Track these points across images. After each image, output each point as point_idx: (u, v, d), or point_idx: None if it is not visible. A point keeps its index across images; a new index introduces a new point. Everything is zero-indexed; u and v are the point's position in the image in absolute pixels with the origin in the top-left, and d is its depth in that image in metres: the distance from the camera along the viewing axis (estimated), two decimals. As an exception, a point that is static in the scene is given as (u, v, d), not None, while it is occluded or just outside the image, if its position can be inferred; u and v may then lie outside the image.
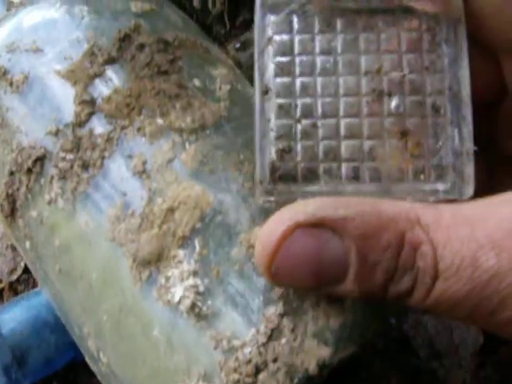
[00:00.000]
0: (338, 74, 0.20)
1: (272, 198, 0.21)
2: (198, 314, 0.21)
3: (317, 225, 0.18)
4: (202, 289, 0.22)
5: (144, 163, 0.23)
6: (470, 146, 0.20)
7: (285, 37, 0.21)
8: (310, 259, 0.19)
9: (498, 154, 0.24)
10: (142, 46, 0.26)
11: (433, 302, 0.18)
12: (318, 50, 0.20)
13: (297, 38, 0.21)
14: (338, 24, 0.20)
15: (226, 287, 0.22)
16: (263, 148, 0.21)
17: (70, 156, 0.24)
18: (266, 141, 0.21)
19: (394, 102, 0.20)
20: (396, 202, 0.18)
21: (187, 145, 0.24)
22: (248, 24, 0.45)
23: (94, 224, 0.24)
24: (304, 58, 0.20)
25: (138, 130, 0.24)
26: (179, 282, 0.22)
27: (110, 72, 0.25)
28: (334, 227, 0.18)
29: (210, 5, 0.46)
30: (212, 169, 0.23)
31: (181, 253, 0.22)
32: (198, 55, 0.27)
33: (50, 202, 0.25)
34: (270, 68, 0.21)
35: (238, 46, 0.44)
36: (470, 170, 0.20)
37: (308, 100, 0.20)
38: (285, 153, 0.21)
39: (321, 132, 0.20)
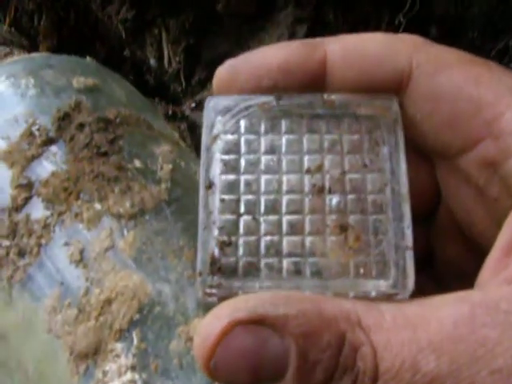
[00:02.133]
0: (281, 172, 0.21)
1: (212, 291, 0.20)
2: (136, 412, 0.21)
3: (257, 322, 0.18)
4: (140, 384, 0.21)
5: (81, 251, 0.23)
6: (409, 240, 0.20)
7: (231, 136, 0.21)
8: (249, 357, 0.18)
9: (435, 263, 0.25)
10: (81, 126, 0.25)
11: None
12: (262, 149, 0.21)
13: (243, 138, 0.21)
14: (283, 125, 0.21)
15: (165, 382, 0.21)
16: (205, 240, 0.20)
17: (6, 242, 0.24)
18: (207, 233, 0.20)
19: (334, 199, 0.20)
20: (337, 301, 0.18)
21: (125, 231, 0.23)
22: (203, 83, 0.45)
23: (31, 314, 0.23)
24: (249, 156, 0.21)
25: (76, 215, 0.23)
26: (117, 376, 0.21)
27: (49, 154, 0.25)
28: (274, 325, 0.18)
29: (166, 64, 0.46)
30: (151, 257, 0.23)
31: (118, 346, 0.21)
32: (141, 132, 0.27)
33: (-15, 290, 0.24)
34: (216, 164, 0.21)
35: (193, 105, 0.43)
36: (410, 264, 0.20)
37: (251, 196, 0.21)
38: (226, 246, 0.20)
39: (263, 227, 0.20)
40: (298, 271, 0.20)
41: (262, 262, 0.20)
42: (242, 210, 0.20)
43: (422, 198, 0.23)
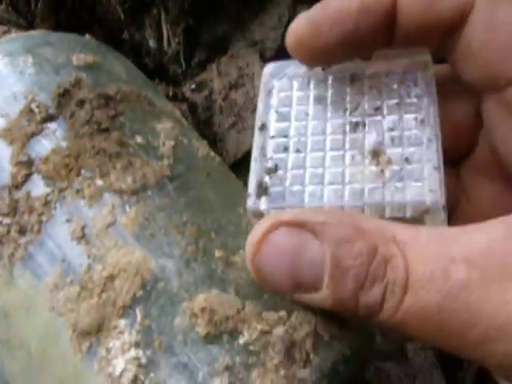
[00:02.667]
0: (325, 118, 0.24)
1: (259, 211, 0.23)
2: (141, 387, 0.20)
3: (298, 225, 0.19)
4: (144, 361, 0.21)
5: (83, 228, 0.23)
6: (440, 163, 0.22)
7: (284, 93, 0.25)
8: (288, 255, 0.19)
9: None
10: (82, 102, 0.25)
11: (402, 316, 0.18)
12: (311, 101, 0.24)
13: (294, 94, 0.25)
14: (329, 81, 0.24)
15: (169, 359, 0.21)
16: (256, 170, 0.24)
17: (7, 220, 0.23)
18: (258, 164, 0.24)
19: (371, 135, 0.23)
20: (374, 219, 0.20)
21: (127, 207, 0.23)
22: (203, 64, 0.45)
23: (33, 292, 0.23)
24: (299, 107, 0.24)
25: (77, 192, 0.23)
26: (120, 353, 0.21)
27: (49, 130, 0.25)
28: (313, 230, 0.19)
29: (165, 45, 0.45)
30: (153, 232, 0.22)
31: (122, 323, 0.21)
32: (142, 109, 0.26)
33: (-14, 268, 0.24)
34: (270, 114, 0.25)
35: (193, 87, 0.43)
36: (441, 184, 0.21)
37: (300, 138, 0.24)
38: (273, 173, 0.23)
39: (308, 162, 0.23)
40: (338, 196, 0.22)
41: (306, 190, 0.23)
42: (291, 148, 0.24)
43: (459, 135, 0.24)
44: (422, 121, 0.22)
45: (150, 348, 0.21)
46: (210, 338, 0.21)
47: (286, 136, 0.24)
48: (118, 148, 0.24)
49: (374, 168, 0.22)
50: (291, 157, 0.23)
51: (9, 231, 0.23)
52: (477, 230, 0.18)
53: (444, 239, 0.18)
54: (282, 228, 0.19)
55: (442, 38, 0.22)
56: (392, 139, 0.23)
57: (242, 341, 0.21)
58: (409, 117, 0.23)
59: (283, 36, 0.45)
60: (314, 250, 0.19)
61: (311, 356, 0.22)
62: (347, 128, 0.23)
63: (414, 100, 0.23)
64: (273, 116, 0.24)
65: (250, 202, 0.23)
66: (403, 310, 0.18)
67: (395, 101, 0.23)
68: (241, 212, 0.25)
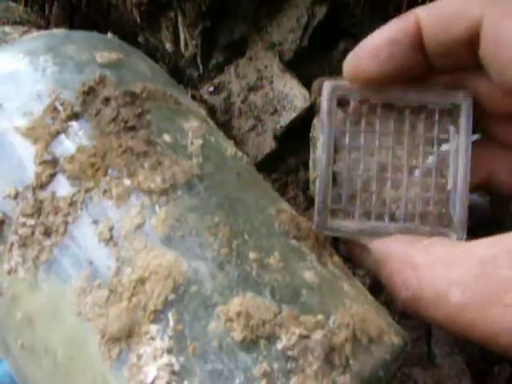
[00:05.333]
0: (376, 152, 0.27)
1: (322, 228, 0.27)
2: (174, 396, 0.19)
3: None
4: (177, 368, 0.20)
5: (111, 229, 0.22)
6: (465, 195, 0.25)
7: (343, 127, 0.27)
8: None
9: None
10: (107, 100, 0.24)
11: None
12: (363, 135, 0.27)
13: (348, 129, 0.27)
14: (378, 119, 0.27)
15: (203, 365, 0.20)
16: (323, 192, 0.27)
17: (31, 221, 0.23)
18: (326, 187, 0.27)
19: (414, 173, 0.27)
20: (401, 244, 0.24)
21: (157, 208, 0.22)
22: (221, 67, 0.44)
23: (58, 296, 0.22)
24: (352, 142, 0.27)
25: (104, 192, 0.22)
26: (152, 360, 0.20)
27: (74, 129, 0.24)
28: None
29: (182, 48, 0.44)
30: (184, 234, 0.21)
31: (153, 328, 0.20)
32: (168, 107, 0.26)
33: (9, 272, 0.23)
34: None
35: (211, 89, 0.42)
36: (463, 215, 0.25)
37: (367, 173, 0.27)
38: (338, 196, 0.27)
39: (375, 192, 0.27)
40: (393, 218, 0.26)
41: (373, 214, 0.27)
42: (360, 181, 0.27)
43: None
44: (456, 150, 0.26)
45: (183, 354, 0.20)
46: (247, 344, 0.20)
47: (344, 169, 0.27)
48: (146, 147, 0.23)
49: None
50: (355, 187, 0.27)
51: (33, 233, 0.22)
52: (476, 250, 0.21)
53: (448, 262, 0.21)
54: None
55: (472, 55, 0.24)
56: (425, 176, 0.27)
57: (280, 346, 0.20)
58: (442, 159, 0.26)
59: (302, 37, 0.45)
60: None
61: (351, 361, 0.21)
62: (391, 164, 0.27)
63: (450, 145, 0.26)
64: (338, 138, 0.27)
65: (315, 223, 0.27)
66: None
67: (431, 143, 0.27)
68: (272, 213, 0.24)
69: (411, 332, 0.35)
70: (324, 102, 0.26)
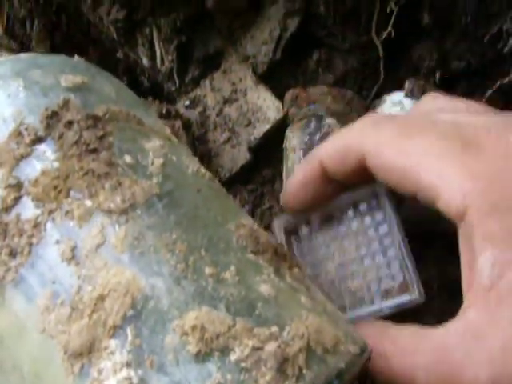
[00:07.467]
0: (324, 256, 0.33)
1: None
2: (133, 408, 0.20)
3: None
4: (136, 381, 0.21)
5: (73, 249, 0.23)
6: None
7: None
8: None
9: None
10: (70, 123, 0.25)
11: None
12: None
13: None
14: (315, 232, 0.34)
15: (161, 378, 0.21)
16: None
17: (-3, 243, 0.23)
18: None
19: (350, 266, 0.32)
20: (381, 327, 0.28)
21: (117, 227, 0.23)
22: (197, 80, 0.45)
23: (24, 314, 0.23)
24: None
25: (66, 213, 0.23)
26: (112, 374, 0.21)
27: (38, 152, 0.25)
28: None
29: (158, 63, 0.45)
30: (143, 251, 0.22)
31: (113, 343, 0.21)
32: (131, 128, 0.26)
33: (-22, 292, 0.24)
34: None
35: (187, 103, 0.43)
36: (414, 277, 0.30)
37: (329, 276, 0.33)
38: None
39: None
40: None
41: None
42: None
43: None
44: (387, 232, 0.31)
45: (141, 368, 0.21)
46: (201, 356, 0.21)
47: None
48: (107, 168, 0.24)
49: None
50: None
51: (-1, 254, 0.23)
52: (431, 339, 0.25)
53: (413, 351, 0.26)
54: None
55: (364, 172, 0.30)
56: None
57: (233, 358, 0.21)
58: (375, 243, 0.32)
59: (275, 50, 0.46)
60: None
61: (304, 371, 0.21)
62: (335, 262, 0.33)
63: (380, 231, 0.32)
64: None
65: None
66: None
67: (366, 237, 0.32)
68: (232, 228, 0.25)
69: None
70: (279, 237, 0.33)
